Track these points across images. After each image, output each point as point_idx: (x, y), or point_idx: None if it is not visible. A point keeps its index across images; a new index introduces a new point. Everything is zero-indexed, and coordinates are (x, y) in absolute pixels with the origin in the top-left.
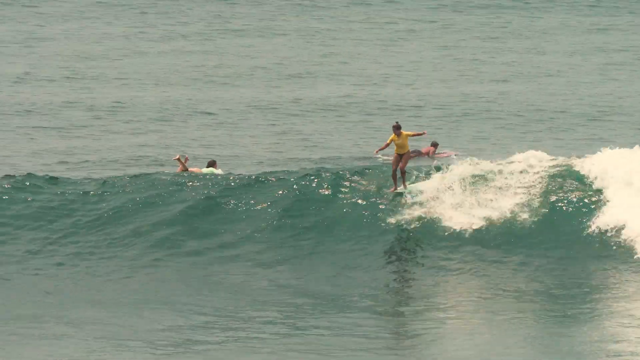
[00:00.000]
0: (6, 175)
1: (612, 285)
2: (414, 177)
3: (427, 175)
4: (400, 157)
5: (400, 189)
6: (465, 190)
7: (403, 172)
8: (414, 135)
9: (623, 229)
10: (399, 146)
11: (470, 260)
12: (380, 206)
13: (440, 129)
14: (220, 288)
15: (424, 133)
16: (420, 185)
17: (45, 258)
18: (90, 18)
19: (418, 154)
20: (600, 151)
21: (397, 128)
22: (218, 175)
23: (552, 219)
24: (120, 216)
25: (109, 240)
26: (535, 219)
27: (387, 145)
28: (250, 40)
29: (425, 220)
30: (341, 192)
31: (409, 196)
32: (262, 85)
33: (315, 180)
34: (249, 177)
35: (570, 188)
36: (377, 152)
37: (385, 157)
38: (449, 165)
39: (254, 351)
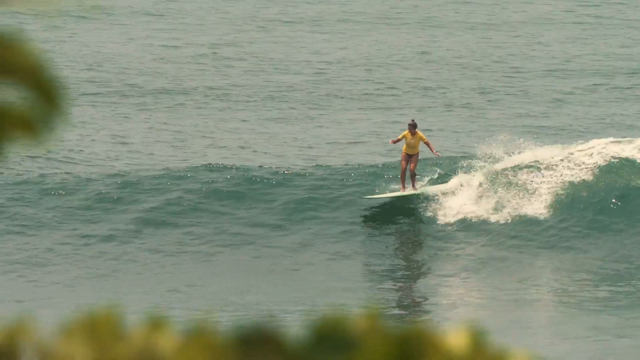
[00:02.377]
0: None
1: None
2: (426, 179)
3: (442, 176)
4: (410, 157)
5: (408, 190)
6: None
7: (413, 175)
8: (426, 142)
9: None
10: (409, 145)
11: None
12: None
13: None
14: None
15: (435, 153)
16: (436, 187)
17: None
18: None
19: None
20: None
21: (413, 127)
22: None
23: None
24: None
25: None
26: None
27: (399, 140)
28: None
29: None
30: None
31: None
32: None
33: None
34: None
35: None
36: (392, 141)
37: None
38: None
39: None
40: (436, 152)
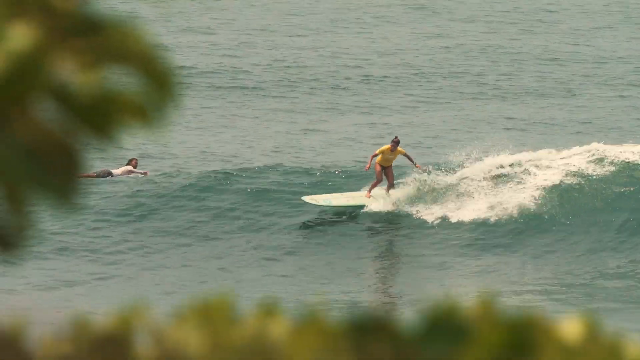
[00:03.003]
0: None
1: None
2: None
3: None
4: (385, 169)
5: (376, 194)
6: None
7: (391, 186)
8: (406, 155)
9: None
10: (386, 159)
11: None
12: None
13: None
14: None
15: (417, 166)
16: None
17: None
18: None
19: (108, 174)
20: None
21: (396, 144)
22: None
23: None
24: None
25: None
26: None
27: (375, 155)
28: None
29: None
30: None
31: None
32: None
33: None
34: None
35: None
36: (368, 165)
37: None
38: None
39: None
40: (418, 164)
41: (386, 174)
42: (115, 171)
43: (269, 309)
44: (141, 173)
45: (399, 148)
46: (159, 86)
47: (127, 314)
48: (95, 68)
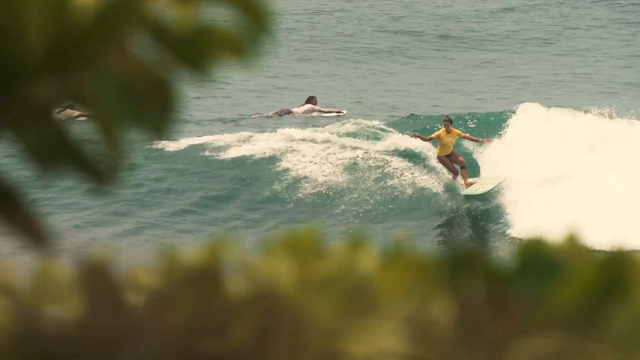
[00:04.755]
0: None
1: None
2: None
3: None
4: (448, 157)
5: (460, 182)
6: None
7: (463, 167)
8: (465, 136)
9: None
10: (445, 145)
11: None
12: None
13: None
14: None
15: (483, 141)
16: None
17: None
18: None
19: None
20: None
21: (449, 122)
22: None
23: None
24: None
25: None
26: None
27: (430, 139)
28: None
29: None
30: None
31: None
32: None
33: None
34: None
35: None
36: (415, 135)
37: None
38: None
39: None
40: (482, 139)
41: (452, 161)
42: (295, 109)
43: (357, 242)
44: (335, 112)
45: (454, 129)
46: (254, 20)
47: (215, 247)
48: (191, 2)
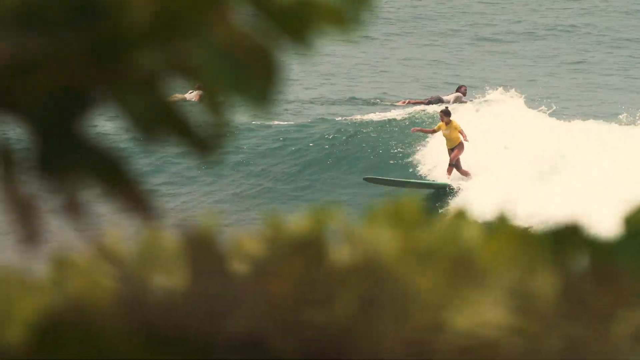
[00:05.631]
0: None
1: None
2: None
3: None
4: (453, 151)
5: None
6: None
7: (452, 164)
8: (461, 132)
9: None
10: (446, 138)
11: None
12: None
13: None
14: None
15: (465, 139)
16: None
17: None
18: None
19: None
20: None
21: (445, 114)
22: None
23: None
24: None
25: None
26: None
27: (433, 132)
28: None
29: None
30: None
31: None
32: None
33: None
34: None
35: None
36: (415, 130)
37: None
38: None
39: None
40: (466, 138)
41: (452, 152)
42: (445, 97)
43: (459, 213)
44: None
45: (453, 122)
46: None
47: (320, 216)
48: None
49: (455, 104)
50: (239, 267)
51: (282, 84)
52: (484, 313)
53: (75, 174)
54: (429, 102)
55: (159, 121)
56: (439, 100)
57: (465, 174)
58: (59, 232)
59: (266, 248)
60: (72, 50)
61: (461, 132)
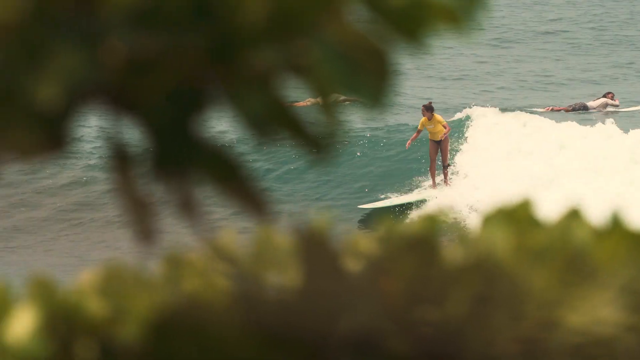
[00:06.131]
0: None
1: None
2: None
3: None
4: (437, 144)
5: (439, 185)
6: None
7: (445, 166)
8: (444, 125)
9: None
10: (430, 132)
11: None
12: None
13: None
14: None
15: (446, 133)
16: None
17: None
18: None
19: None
20: None
21: (428, 109)
22: None
23: None
24: None
25: None
26: None
27: (419, 133)
28: None
29: None
30: None
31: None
32: None
33: None
34: None
35: None
36: (408, 144)
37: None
38: None
39: None
40: (446, 132)
41: (441, 149)
42: (590, 104)
43: (573, 212)
44: (615, 105)
45: (436, 116)
46: None
47: (433, 215)
48: None
49: (600, 110)
50: (353, 265)
51: (395, 83)
52: (598, 311)
53: (191, 173)
54: (573, 109)
55: (273, 120)
56: (584, 107)
57: (434, 174)
58: (174, 230)
59: (380, 247)
60: (188, 49)
61: (445, 126)
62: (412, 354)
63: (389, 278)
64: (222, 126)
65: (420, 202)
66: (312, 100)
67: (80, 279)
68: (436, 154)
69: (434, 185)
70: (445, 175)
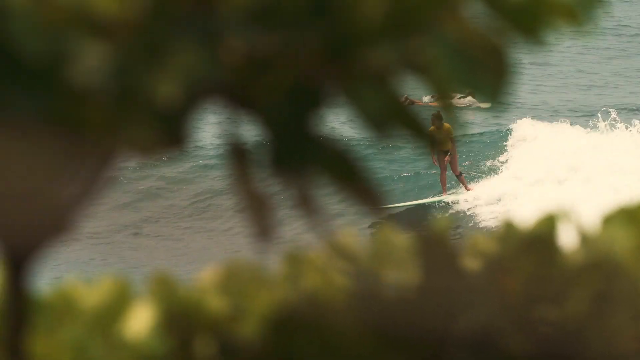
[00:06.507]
0: None
1: None
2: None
3: None
4: (445, 154)
5: (452, 193)
6: None
7: (458, 175)
8: (452, 139)
9: None
10: (440, 142)
11: None
12: None
13: None
14: None
15: (454, 142)
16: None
17: None
18: None
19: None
20: None
21: (437, 118)
22: None
23: None
24: None
25: None
26: None
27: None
28: None
29: None
30: None
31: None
32: None
33: None
34: None
35: None
36: (434, 160)
37: None
38: None
39: None
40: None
41: (450, 160)
42: None
43: None
44: None
45: (445, 125)
46: None
47: (551, 215)
48: None
49: None
50: (472, 265)
51: (513, 80)
52: None
53: (309, 171)
54: None
55: (391, 118)
56: None
57: (442, 173)
58: (294, 228)
59: (499, 246)
60: (306, 48)
61: (452, 140)
62: (531, 354)
63: (508, 277)
64: (339, 123)
65: (452, 202)
66: (429, 98)
67: (201, 276)
68: (445, 163)
69: (445, 192)
70: (462, 182)
